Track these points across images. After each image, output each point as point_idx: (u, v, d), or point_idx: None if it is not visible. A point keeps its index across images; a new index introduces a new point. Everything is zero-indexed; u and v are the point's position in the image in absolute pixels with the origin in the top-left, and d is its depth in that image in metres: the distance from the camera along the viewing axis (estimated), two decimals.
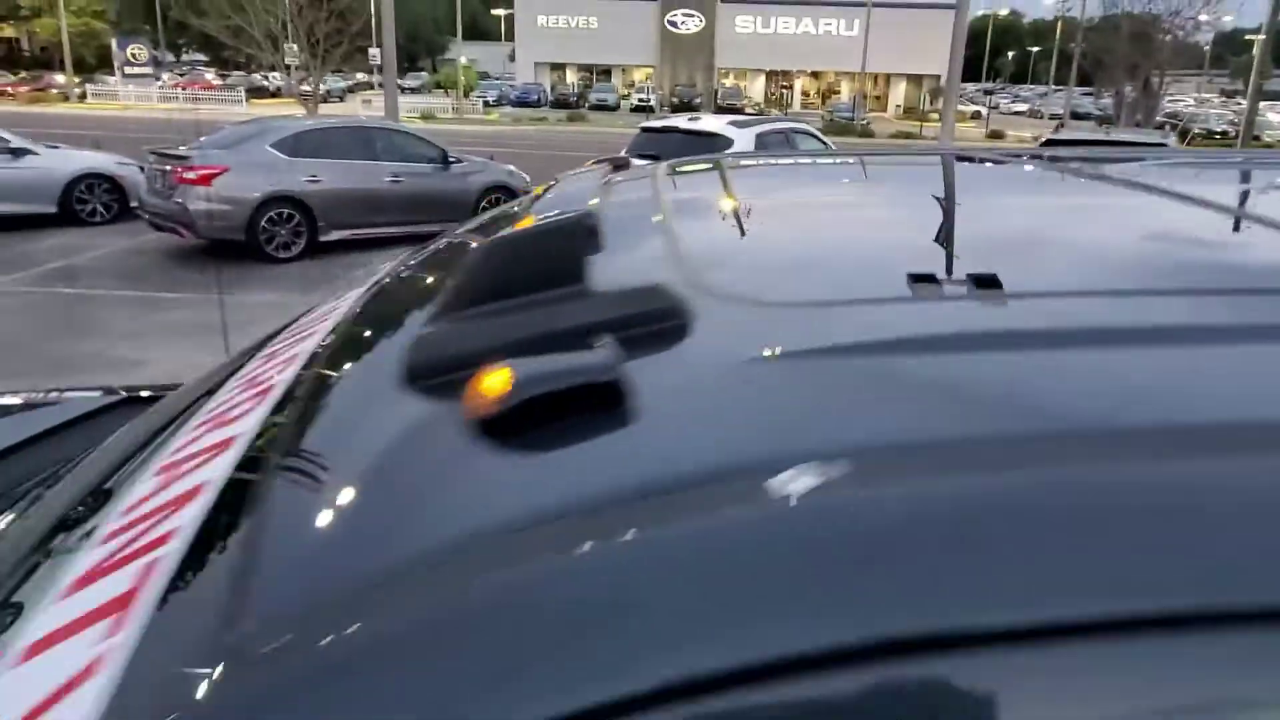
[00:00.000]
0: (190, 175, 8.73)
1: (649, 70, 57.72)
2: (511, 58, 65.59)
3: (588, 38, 57.59)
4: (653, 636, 0.45)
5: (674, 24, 56.51)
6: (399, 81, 24.74)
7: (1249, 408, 0.60)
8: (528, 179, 11.16)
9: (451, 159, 10.48)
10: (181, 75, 50.68)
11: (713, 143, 8.63)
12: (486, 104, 46.08)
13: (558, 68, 59.21)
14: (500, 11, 72.23)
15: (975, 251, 1.01)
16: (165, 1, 53.52)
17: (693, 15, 56.22)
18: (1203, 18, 28.92)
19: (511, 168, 11.32)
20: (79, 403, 1.62)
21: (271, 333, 1.37)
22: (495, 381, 0.61)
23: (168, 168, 8.95)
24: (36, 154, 10.85)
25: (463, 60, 49.30)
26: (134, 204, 10.95)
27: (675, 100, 49.90)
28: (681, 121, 9.89)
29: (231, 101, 38.68)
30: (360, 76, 52.08)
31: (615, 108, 49.62)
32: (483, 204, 10.28)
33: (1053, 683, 0.43)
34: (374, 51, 40.43)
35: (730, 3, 56.59)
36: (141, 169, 10.75)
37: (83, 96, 40.91)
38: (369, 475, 0.65)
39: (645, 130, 9.74)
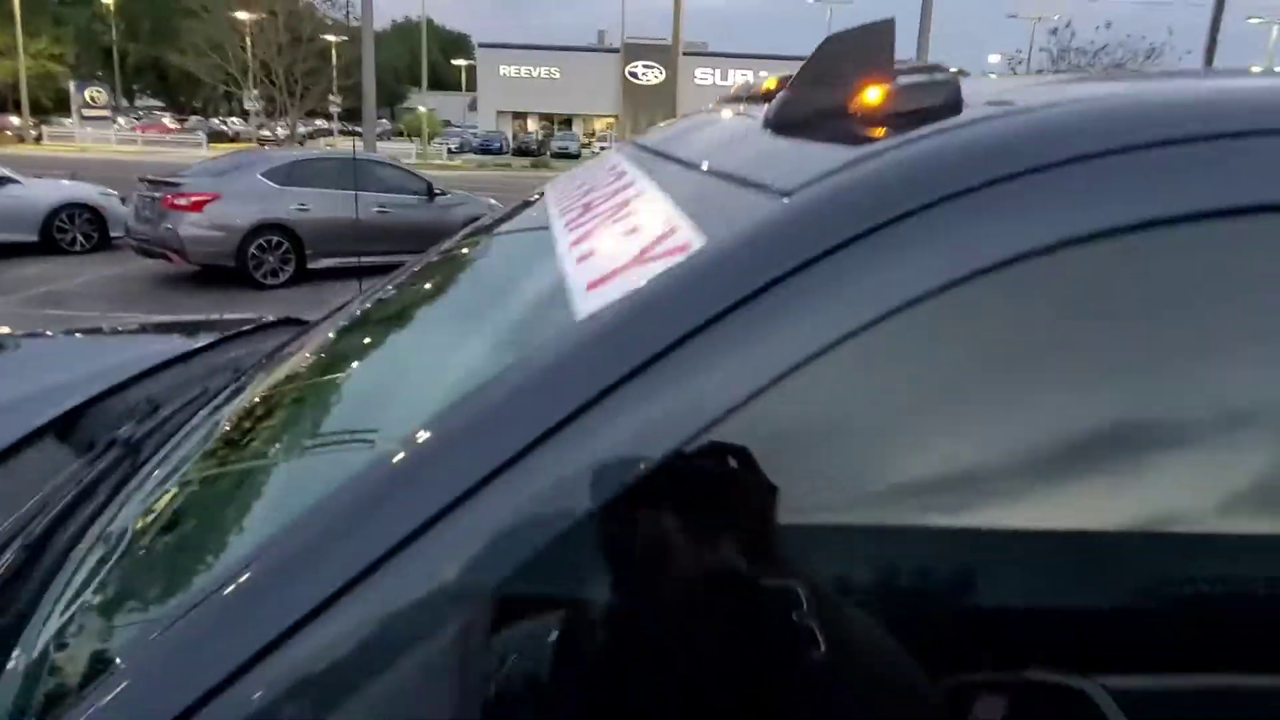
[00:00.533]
0: (182, 201, 8.81)
1: (610, 120, 58.67)
2: (471, 106, 66.19)
3: (550, 87, 58.46)
4: None
5: (635, 75, 57.64)
6: (359, 127, 24.83)
7: None
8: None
9: (436, 191, 10.67)
10: (139, 119, 50.26)
11: None
12: (450, 151, 46.38)
13: (519, 116, 59.90)
14: (460, 62, 73.04)
15: None
16: (124, 46, 53.52)
17: (653, 67, 57.38)
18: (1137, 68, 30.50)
19: (493, 200, 11.52)
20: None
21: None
22: (877, 91, 0.81)
23: (158, 194, 8.98)
24: (19, 183, 10.80)
25: (421, 109, 49.62)
26: (115, 234, 10.94)
27: None
28: None
29: (192, 144, 38.52)
30: (319, 124, 52.12)
31: (577, 155, 50.19)
32: None
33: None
34: (334, 98, 40.73)
35: (691, 55, 57.96)
36: (123, 200, 10.76)
37: (38, 139, 40.46)
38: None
39: None
